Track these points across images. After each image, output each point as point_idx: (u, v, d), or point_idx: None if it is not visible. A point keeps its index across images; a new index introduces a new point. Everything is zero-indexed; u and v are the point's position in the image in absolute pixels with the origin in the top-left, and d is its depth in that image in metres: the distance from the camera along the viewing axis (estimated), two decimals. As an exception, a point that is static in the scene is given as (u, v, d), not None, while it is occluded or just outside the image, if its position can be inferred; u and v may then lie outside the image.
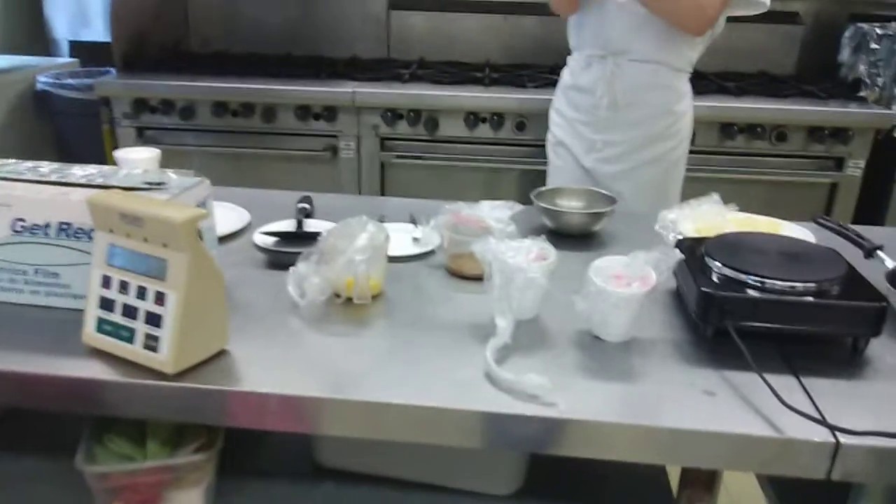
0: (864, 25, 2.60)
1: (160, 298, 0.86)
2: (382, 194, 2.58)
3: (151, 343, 0.87)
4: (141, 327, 0.87)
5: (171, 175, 1.09)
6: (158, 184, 1.05)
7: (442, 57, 2.98)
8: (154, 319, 0.86)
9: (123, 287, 0.89)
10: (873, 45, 2.52)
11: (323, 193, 1.54)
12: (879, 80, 2.47)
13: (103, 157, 2.50)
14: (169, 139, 2.54)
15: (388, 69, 2.74)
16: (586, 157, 1.80)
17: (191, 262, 0.85)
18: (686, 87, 1.80)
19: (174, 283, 0.85)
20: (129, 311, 0.88)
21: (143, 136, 2.54)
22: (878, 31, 2.53)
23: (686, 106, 1.81)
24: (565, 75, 1.86)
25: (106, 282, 0.90)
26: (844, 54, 2.68)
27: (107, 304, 0.90)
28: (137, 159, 1.40)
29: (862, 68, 2.56)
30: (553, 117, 1.90)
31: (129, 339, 0.88)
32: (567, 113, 1.83)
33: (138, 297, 0.88)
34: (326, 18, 3.08)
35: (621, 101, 1.72)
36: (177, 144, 2.53)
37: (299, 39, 3.07)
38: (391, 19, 3.03)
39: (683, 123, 1.81)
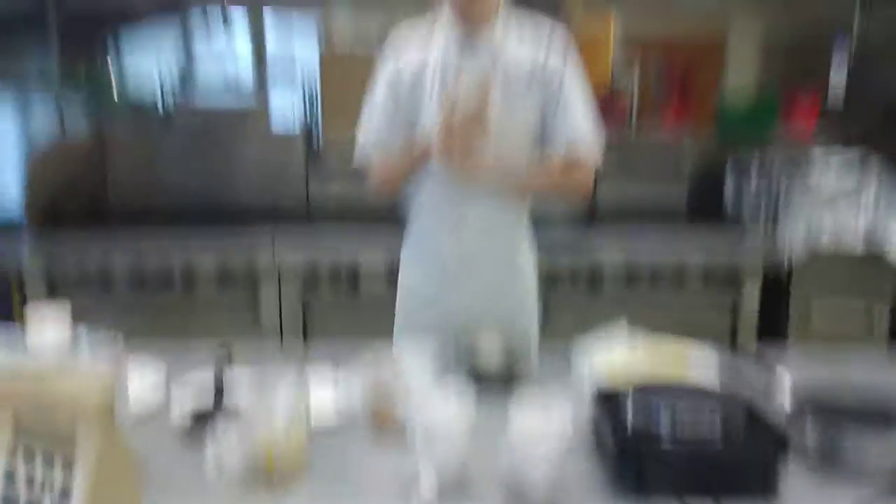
0: (743, 165, 2.86)
1: (67, 480, 0.82)
2: (305, 336, 2.56)
3: (58, 533, 0.82)
4: (47, 516, 0.83)
5: (84, 333, 1.08)
6: (70, 342, 1.03)
7: (362, 202, 3.06)
8: (62, 506, 0.82)
9: (29, 476, 0.84)
10: (753, 182, 2.77)
11: (243, 338, 1.51)
12: (762, 213, 2.70)
13: (12, 320, 2.41)
14: (82, 298, 2.47)
15: (311, 216, 2.81)
16: (442, 300, 1.82)
17: (101, 446, 0.82)
18: (527, 230, 1.89)
19: (82, 464, 0.82)
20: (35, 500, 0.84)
21: (54, 295, 2.48)
22: (756, 169, 2.79)
23: (529, 246, 1.89)
24: (413, 223, 1.90)
25: (8, 475, 0.85)
26: (729, 191, 2.92)
27: (9, 501, 0.85)
28: (48, 320, 1.36)
29: (746, 203, 2.79)
30: (405, 265, 1.91)
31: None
32: (418, 260, 1.87)
33: (42, 486, 0.83)
34: (245, 186, 3.15)
35: (470, 248, 1.77)
36: (90, 302, 2.47)
37: (220, 194, 3.12)
38: (310, 183, 3.12)
39: (530, 262, 1.89)
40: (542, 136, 1.75)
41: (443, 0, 1.68)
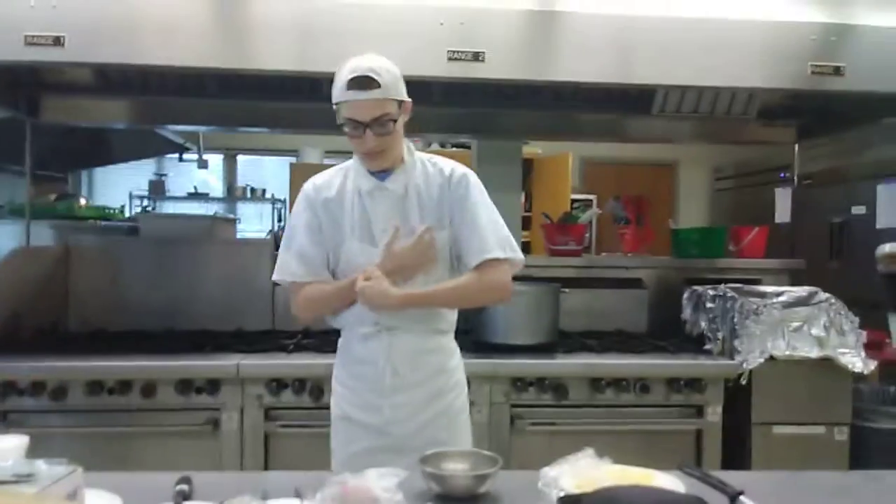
0: (699, 288, 2.98)
1: None
2: (266, 467, 2.49)
3: None
4: None
5: (41, 465, 1.06)
6: (27, 476, 1.01)
7: (326, 327, 3.08)
8: None
9: None
10: (709, 305, 2.88)
11: (203, 472, 1.49)
12: (719, 335, 2.78)
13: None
14: (34, 422, 2.39)
15: (273, 340, 2.80)
16: (378, 420, 1.86)
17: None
18: (454, 344, 1.99)
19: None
20: None
21: (6, 420, 2.38)
22: (711, 292, 2.90)
23: (457, 360, 1.98)
24: (343, 348, 1.97)
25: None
26: (686, 313, 3.02)
27: None
28: (3, 449, 1.33)
29: (703, 325, 2.89)
30: (337, 389, 1.95)
31: None
32: (350, 384, 1.91)
33: None
34: (212, 294, 3.17)
35: (401, 369, 1.85)
36: (43, 427, 2.38)
37: (183, 315, 3.11)
38: (276, 293, 3.16)
39: (459, 376, 1.97)
40: (457, 249, 1.88)
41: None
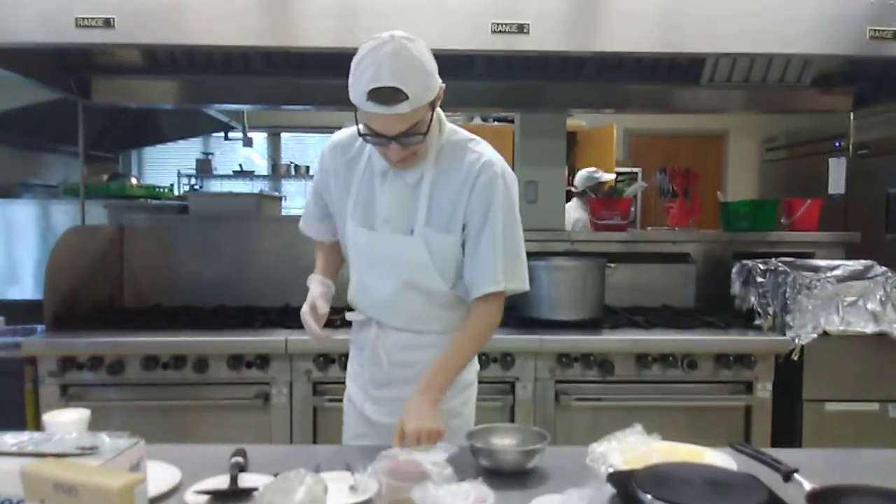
0: (749, 262, 2.92)
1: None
2: (315, 440, 2.54)
3: None
4: None
5: (105, 438, 1.09)
6: (91, 448, 1.04)
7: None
8: None
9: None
10: (759, 279, 2.82)
11: (256, 445, 1.53)
12: (770, 310, 2.73)
13: (23, 418, 2.40)
14: (94, 395, 2.48)
15: (320, 316, 2.84)
16: (367, 408, 1.79)
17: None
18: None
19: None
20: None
21: (66, 394, 2.47)
22: (762, 266, 2.84)
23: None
24: (352, 331, 1.88)
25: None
26: (735, 288, 2.96)
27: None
28: (66, 422, 1.38)
29: (753, 300, 2.83)
30: (349, 371, 1.90)
31: None
32: (355, 367, 1.86)
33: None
34: (259, 270, 3.23)
35: (387, 361, 1.71)
36: (102, 400, 2.47)
37: (233, 290, 3.18)
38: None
39: (465, 375, 1.75)
40: (463, 266, 1.66)
41: None
